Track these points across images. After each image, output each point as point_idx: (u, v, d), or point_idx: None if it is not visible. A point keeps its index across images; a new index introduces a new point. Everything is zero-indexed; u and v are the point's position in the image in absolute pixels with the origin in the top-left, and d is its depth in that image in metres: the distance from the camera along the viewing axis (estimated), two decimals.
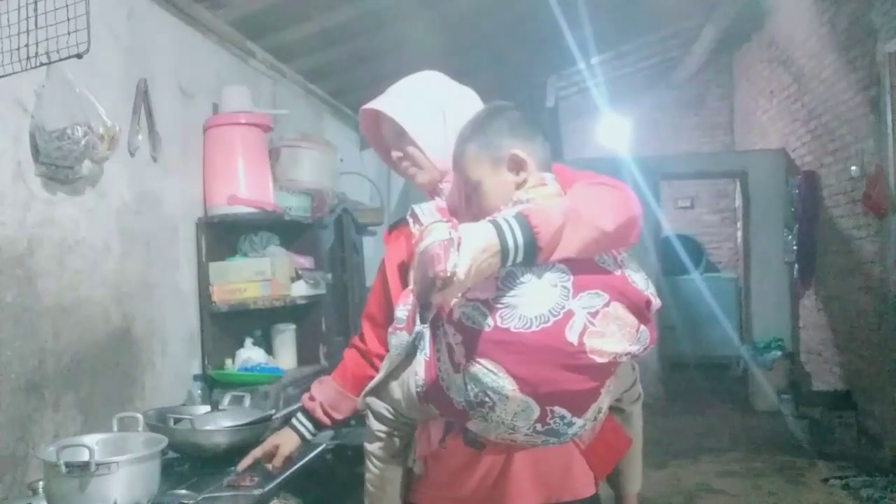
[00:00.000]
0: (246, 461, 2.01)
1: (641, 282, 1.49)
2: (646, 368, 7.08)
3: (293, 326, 3.43)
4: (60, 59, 1.74)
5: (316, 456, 2.41)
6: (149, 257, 2.77)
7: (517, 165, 1.54)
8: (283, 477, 2.14)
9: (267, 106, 3.75)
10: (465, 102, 1.75)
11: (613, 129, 8.94)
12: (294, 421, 1.99)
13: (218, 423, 2.34)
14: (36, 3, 1.77)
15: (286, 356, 3.39)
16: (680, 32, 7.52)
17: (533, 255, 1.36)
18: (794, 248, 6.57)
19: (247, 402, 2.58)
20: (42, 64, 1.77)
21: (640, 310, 1.44)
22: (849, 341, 5.65)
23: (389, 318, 1.68)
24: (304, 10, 3.61)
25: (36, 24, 1.76)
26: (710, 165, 7.71)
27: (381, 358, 1.74)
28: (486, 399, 1.43)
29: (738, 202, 8.38)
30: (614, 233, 1.42)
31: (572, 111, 8.65)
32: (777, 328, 6.89)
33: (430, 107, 1.72)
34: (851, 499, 4.24)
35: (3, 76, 1.79)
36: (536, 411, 1.43)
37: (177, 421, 2.32)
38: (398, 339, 1.62)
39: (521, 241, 1.35)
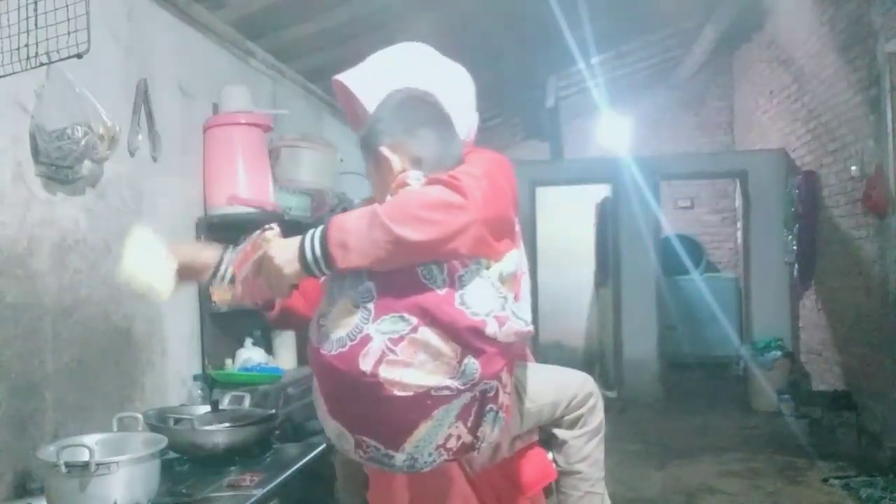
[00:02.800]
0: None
1: (484, 303, 1.30)
2: (646, 368, 7.13)
3: None
4: (60, 59, 1.74)
5: (316, 456, 2.41)
6: None
7: (385, 163, 1.45)
8: (283, 477, 2.14)
9: (267, 106, 3.75)
10: (444, 82, 1.60)
11: (613, 129, 8.92)
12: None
13: (218, 423, 2.34)
14: (36, 3, 1.77)
15: (286, 356, 3.39)
16: (680, 32, 7.51)
17: (329, 263, 1.30)
18: (794, 248, 6.56)
19: (247, 402, 2.58)
20: (42, 64, 1.77)
21: (460, 337, 1.27)
22: (849, 341, 5.65)
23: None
24: (304, 10, 3.61)
25: (36, 24, 1.76)
26: (710, 165, 7.70)
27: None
28: (319, 417, 1.41)
29: (738, 202, 8.38)
30: (418, 242, 1.25)
31: (572, 111, 8.64)
32: (777, 328, 6.88)
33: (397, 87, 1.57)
34: (851, 499, 4.23)
35: (3, 76, 1.79)
36: (350, 439, 1.35)
37: (177, 421, 2.31)
38: None
39: (318, 251, 1.30)
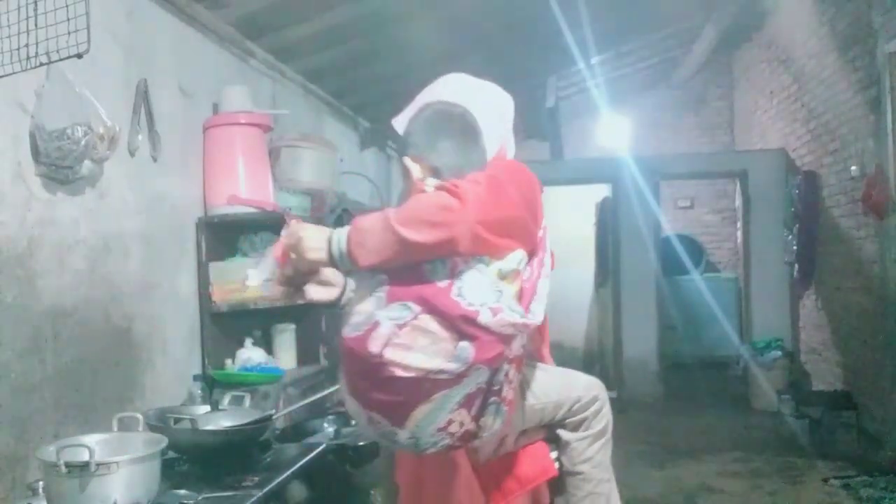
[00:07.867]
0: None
1: (479, 295, 1.43)
2: (646, 368, 7.13)
3: (293, 326, 3.42)
4: (60, 59, 1.75)
5: (316, 456, 2.41)
6: (149, 257, 2.77)
7: (408, 172, 1.64)
8: (283, 477, 2.14)
9: (267, 106, 3.75)
10: (475, 98, 1.76)
11: (613, 129, 8.93)
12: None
13: (218, 423, 2.34)
14: (36, 3, 1.77)
15: (286, 356, 3.39)
16: (680, 32, 7.51)
17: (349, 261, 1.46)
18: (794, 248, 6.56)
19: (247, 402, 2.58)
20: (42, 64, 1.78)
21: (455, 325, 1.41)
22: (849, 341, 5.65)
23: None
24: (304, 10, 3.61)
25: (36, 24, 1.76)
26: (710, 165, 7.70)
27: None
28: (343, 396, 1.55)
29: (738, 202, 8.38)
30: (418, 242, 1.39)
31: (572, 111, 8.64)
32: (777, 328, 6.88)
33: None
34: (851, 499, 4.23)
35: (3, 76, 1.80)
36: (363, 414, 1.50)
37: (177, 421, 2.31)
38: None
39: (343, 248, 1.46)
